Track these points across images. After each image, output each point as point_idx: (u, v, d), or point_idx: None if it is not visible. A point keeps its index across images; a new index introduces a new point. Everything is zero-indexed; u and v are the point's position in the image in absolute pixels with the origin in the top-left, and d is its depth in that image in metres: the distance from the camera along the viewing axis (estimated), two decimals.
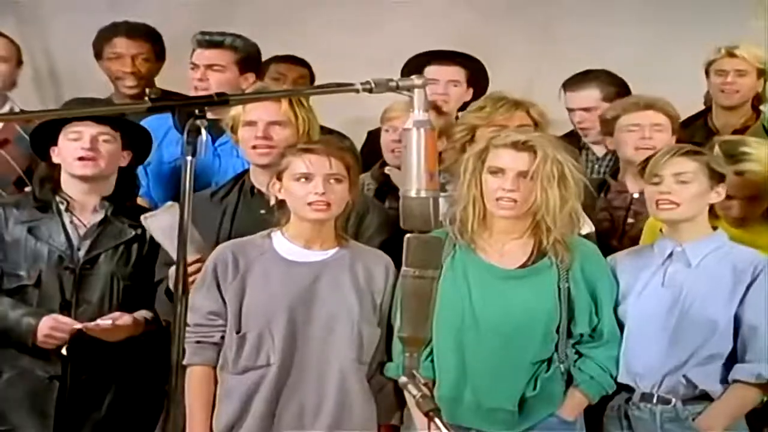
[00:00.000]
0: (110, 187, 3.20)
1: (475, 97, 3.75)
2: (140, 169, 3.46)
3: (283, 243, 2.87)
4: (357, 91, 2.05)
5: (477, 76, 3.91)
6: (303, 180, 2.80)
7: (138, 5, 4.27)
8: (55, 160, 3.19)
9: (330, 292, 2.85)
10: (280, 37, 3.99)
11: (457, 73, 3.84)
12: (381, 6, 4.65)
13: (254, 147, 3.07)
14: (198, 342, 2.85)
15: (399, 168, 3.38)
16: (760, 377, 2.80)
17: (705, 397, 2.85)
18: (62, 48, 4.32)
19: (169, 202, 2.96)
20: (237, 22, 3.88)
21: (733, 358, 2.84)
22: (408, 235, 2.03)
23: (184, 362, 2.84)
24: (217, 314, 2.85)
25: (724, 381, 2.85)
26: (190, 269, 2.84)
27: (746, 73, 3.92)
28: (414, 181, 2.00)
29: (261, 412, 2.84)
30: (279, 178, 2.85)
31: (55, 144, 3.17)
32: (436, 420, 2.04)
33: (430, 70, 3.78)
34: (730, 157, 3.07)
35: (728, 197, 3.00)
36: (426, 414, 2.06)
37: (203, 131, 1.93)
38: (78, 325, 3.05)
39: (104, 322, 3.05)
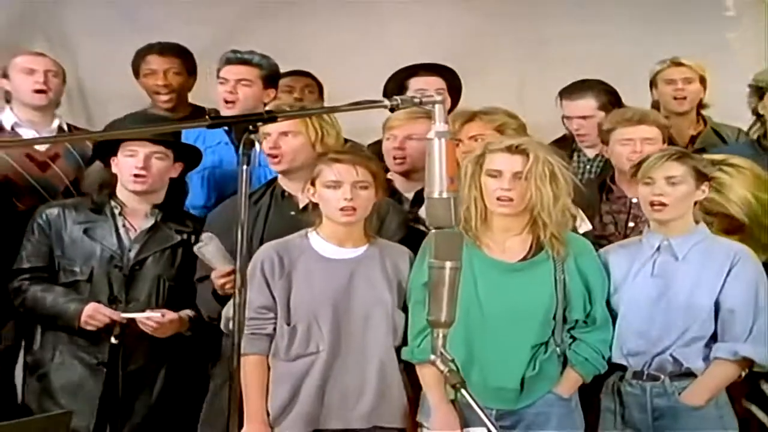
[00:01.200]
0: (161, 196, 3.40)
1: (452, 106, 3.87)
2: None
3: (320, 242, 3.05)
4: (386, 107, 2.23)
5: (453, 85, 4.02)
6: (333, 187, 2.97)
7: (158, 28, 4.43)
8: (114, 170, 3.36)
9: (365, 285, 3.02)
10: (290, 53, 4.14)
11: (440, 83, 3.94)
12: (382, 19, 4.79)
13: (269, 155, 3.25)
14: (252, 334, 2.99)
15: (401, 174, 3.55)
16: (736, 354, 2.96)
17: (689, 374, 3.00)
18: (90, 68, 4.46)
19: (207, 234, 3.13)
20: (246, 43, 3.98)
21: (714, 339, 3.00)
22: (433, 231, 2.18)
23: (242, 352, 2.95)
24: (267, 308, 3.00)
25: (706, 359, 3.00)
26: (226, 278, 3.05)
27: (692, 80, 4.08)
28: (437, 184, 2.14)
29: (311, 395, 2.99)
30: (312, 184, 3.02)
31: (115, 154, 3.34)
32: (462, 390, 2.19)
33: (417, 82, 3.89)
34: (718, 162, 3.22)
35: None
36: (453, 386, 2.21)
37: (257, 144, 2.16)
38: (118, 316, 3.22)
39: (154, 314, 3.23)
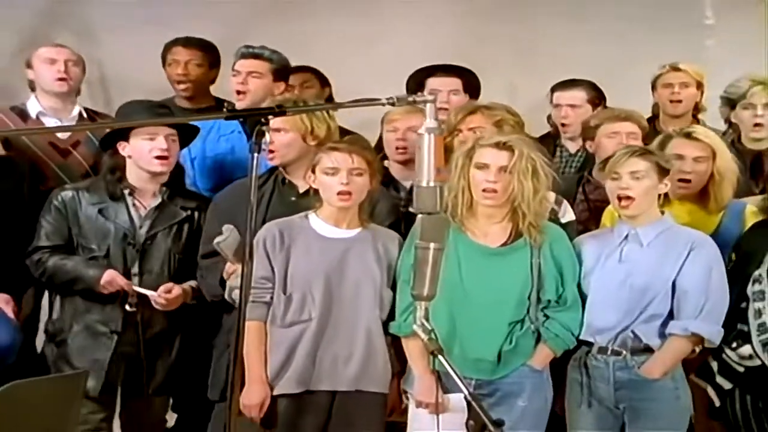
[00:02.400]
0: (167, 176, 3.54)
1: None
2: (188, 163, 3.80)
3: (318, 223, 3.23)
4: (383, 104, 2.41)
5: (471, 85, 4.16)
6: (331, 174, 3.16)
7: (175, 23, 4.59)
8: (123, 153, 3.50)
9: (357, 262, 3.20)
10: (297, 50, 4.25)
11: (455, 83, 4.08)
12: (383, 20, 4.95)
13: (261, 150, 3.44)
14: (253, 302, 3.13)
15: (399, 163, 3.72)
16: (687, 331, 3.15)
17: (648, 350, 3.17)
18: (110, 58, 4.64)
19: (227, 226, 3.25)
20: (255, 38, 4.16)
21: (671, 318, 3.17)
22: (420, 215, 2.36)
23: None
24: (267, 279, 3.17)
25: (663, 336, 3.16)
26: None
27: (689, 85, 4.22)
28: (425, 174, 2.32)
29: (303, 359, 3.16)
30: (313, 171, 3.20)
31: (124, 140, 3.48)
32: (440, 357, 2.37)
33: (434, 82, 4.04)
34: (682, 129, 3.46)
35: (680, 157, 3.33)
36: (431, 353, 2.40)
37: (267, 134, 2.33)
38: (131, 288, 3.40)
39: (157, 294, 3.42)
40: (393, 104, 2.40)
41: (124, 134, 3.49)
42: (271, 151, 3.33)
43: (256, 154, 2.32)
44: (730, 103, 4.10)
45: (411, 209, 3.42)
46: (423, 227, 2.38)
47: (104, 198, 3.53)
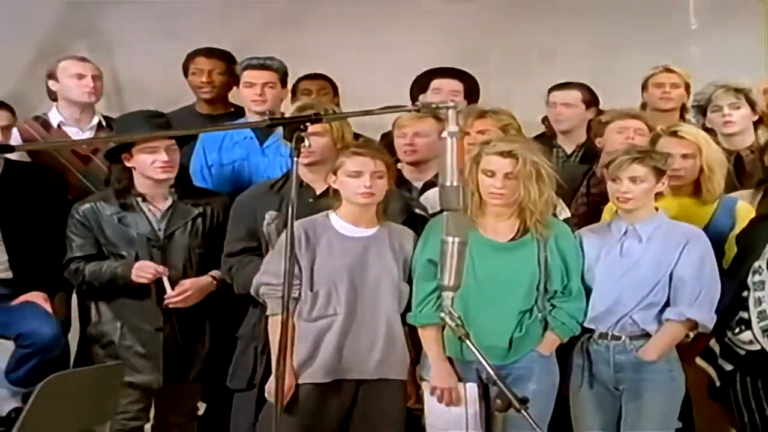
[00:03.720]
0: (173, 179, 3.70)
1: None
2: (204, 170, 3.96)
3: (339, 222, 3.37)
4: (409, 110, 2.59)
5: (471, 89, 4.34)
6: (355, 176, 3.30)
7: (187, 35, 4.76)
8: (128, 164, 3.65)
9: (376, 259, 3.34)
10: (309, 59, 4.48)
11: (456, 85, 4.25)
12: (392, 29, 5.13)
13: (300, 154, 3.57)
14: (280, 297, 3.17)
15: (411, 164, 3.86)
16: (682, 316, 3.32)
17: (646, 335, 3.34)
18: (125, 68, 4.79)
19: (271, 212, 3.43)
20: (264, 48, 4.33)
21: (667, 306, 3.33)
22: (445, 212, 2.50)
23: (268, 313, 3.34)
24: (294, 276, 3.23)
25: (659, 322, 3.33)
26: None
27: (679, 86, 4.42)
28: (449, 175, 2.46)
29: (330, 350, 3.29)
30: (335, 173, 3.34)
31: (128, 152, 3.63)
32: (467, 341, 2.57)
33: (436, 83, 4.21)
34: (669, 128, 3.62)
35: (668, 155, 3.47)
36: (459, 338, 2.58)
37: (306, 140, 2.50)
38: (162, 269, 3.57)
39: (177, 292, 3.59)
40: (418, 110, 2.58)
41: (127, 147, 3.63)
42: (311, 152, 3.43)
43: (296, 159, 2.49)
44: (702, 110, 4.27)
45: (417, 210, 3.62)
46: (448, 223, 2.51)
47: (120, 208, 3.69)
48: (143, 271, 3.60)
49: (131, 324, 3.66)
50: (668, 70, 4.43)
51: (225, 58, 4.53)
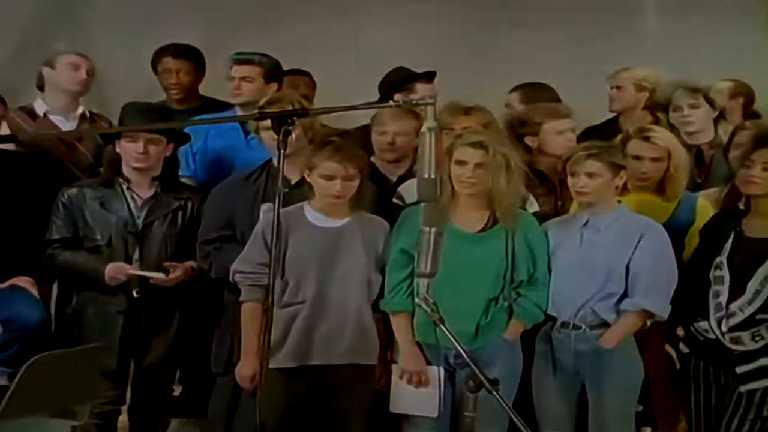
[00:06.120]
0: (158, 170, 3.76)
1: None
2: (189, 156, 4.00)
3: (312, 213, 3.43)
4: (391, 106, 2.66)
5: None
6: (326, 179, 3.35)
7: (167, 27, 4.79)
8: (118, 149, 3.72)
9: (347, 249, 3.39)
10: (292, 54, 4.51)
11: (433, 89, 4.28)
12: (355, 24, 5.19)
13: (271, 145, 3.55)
14: (251, 285, 3.35)
15: (386, 161, 3.91)
16: (638, 306, 3.41)
17: (605, 324, 3.43)
18: (105, 62, 4.72)
19: (267, 205, 3.49)
20: (244, 40, 4.41)
21: (625, 296, 3.42)
22: (423, 203, 2.57)
23: (240, 299, 3.40)
24: (265, 264, 3.27)
25: (617, 312, 3.42)
26: None
27: (643, 88, 4.45)
28: (426, 168, 2.53)
29: (298, 336, 3.35)
30: (310, 169, 3.40)
31: (118, 139, 3.70)
32: (442, 326, 2.61)
33: (420, 87, 4.26)
34: (640, 131, 3.70)
35: (638, 158, 3.58)
36: (434, 322, 2.63)
37: (292, 134, 2.59)
38: (134, 270, 3.62)
39: (159, 275, 3.63)
40: (399, 106, 2.67)
41: (118, 133, 3.73)
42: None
43: (282, 151, 2.58)
44: (663, 108, 4.36)
45: (394, 200, 3.70)
46: (425, 214, 2.59)
47: (104, 192, 3.75)
48: (118, 272, 3.63)
49: (98, 308, 3.71)
50: (626, 71, 4.50)
51: (191, 56, 4.56)
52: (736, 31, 5.11)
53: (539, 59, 5.03)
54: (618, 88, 4.53)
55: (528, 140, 4.02)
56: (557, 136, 3.93)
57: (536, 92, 4.46)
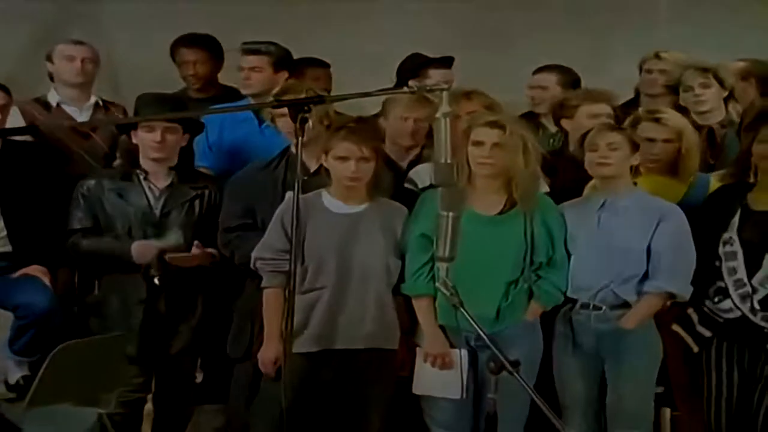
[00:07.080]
0: (175, 160, 3.78)
1: None
2: (205, 147, 4.02)
3: (330, 199, 3.44)
4: (406, 92, 2.68)
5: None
6: (341, 160, 3.36)
7: (182, 20, 4.78)
8: (135, 141, 3.74)
9: (365, 235, 3.40)
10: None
11: (449, 75, 4.29)
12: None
13: (290, 132, 3.54)
14: (272, 271, 3.38)
15: (404, 147, 3.89)
16: (660, 288, 3.42)
17: (625, 305, 3.43)
18: (120, 51, 4.83)
19: (289, 193, 3.47)
20: (266, 31, 4.37)
21: (645, 277, 3.42)
22: (440, 188, 2.60)
23: (261, 286, 3.42)
24: (285, 251, 3.30)
25: (638, 293, 3.42)
26: None
27: (666, 72, 4.41)
28: (443, 153, 2.56)
29: (320, 320, 3.37)
30: (326, 153, 3.41)
31: (134, 129, 3.72)
32: (461, 309, 2.68)
33: (433, 73, 4.23)
34: (650, 113, 3.70)
35: (650, 140, 3.58)
36: (454, 305, 2.68)
37: (309, 121, 2.59)
38: (159, 244, 3.60)
39: (184, 254, 3.63)
40: (413, 92, 2.67)
41: (135, 124, 3.73)
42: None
43: (300, 138, 2.59)
44: (673, 89, 4.33)
45: (406, 184, 3.71)
46: (443, 199, 2.61)
47: (122, 183, 3.77)
48: (146, 250, 3.63)
49: (121, 296, 3.72)
50: (657, 57, 4.47)
51: (206, 44, 4.55)
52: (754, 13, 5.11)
53: (558, 41, 5.04)
54: (661, 71, 4.46)
55: (564, 123, 4.03)
56: (589, 120, 3.89)
57: (571, 73, 4.47)
